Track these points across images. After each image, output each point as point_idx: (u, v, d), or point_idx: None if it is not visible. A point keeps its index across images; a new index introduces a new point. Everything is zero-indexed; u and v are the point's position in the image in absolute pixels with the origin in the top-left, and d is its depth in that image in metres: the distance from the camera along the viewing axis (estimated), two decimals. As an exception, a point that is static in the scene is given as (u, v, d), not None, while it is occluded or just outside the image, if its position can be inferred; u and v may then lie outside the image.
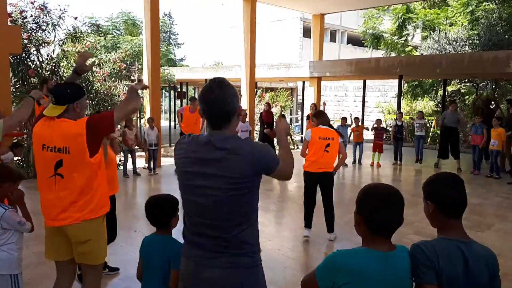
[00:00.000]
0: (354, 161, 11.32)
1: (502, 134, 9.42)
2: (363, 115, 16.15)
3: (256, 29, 13.07)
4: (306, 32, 27.21)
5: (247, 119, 10.91)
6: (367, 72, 14.53)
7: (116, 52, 12.74)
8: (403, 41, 21.76)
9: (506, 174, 9.69)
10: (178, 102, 22.30)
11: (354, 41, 31.70)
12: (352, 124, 11.37)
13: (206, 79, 19.19)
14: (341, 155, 5.40)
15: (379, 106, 21.88)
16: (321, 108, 11.41)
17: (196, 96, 24.41)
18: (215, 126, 1.83)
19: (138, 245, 2.65)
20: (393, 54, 21.68)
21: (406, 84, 19.13)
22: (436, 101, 19.59)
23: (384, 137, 11.48)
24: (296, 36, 29.16)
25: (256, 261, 1.88)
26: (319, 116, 5.39)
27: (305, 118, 12.05)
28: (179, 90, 21.43)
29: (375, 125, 11.27)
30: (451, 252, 1.61)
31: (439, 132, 12.92)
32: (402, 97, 15.99)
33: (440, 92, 17.60)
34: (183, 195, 1.92)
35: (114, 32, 24.04)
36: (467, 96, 18.57)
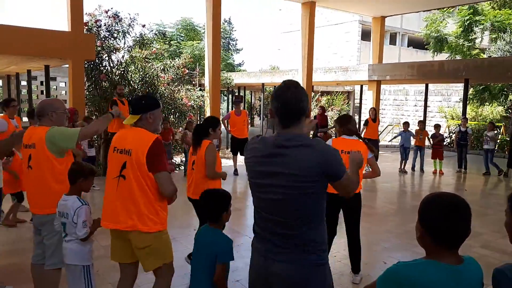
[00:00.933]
0: (413, 168, 10.85)
1: None
2: (424, 120, 15.54)
3: (314, 33, 13.06)
4: (365, 35, 26.67)
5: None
6: (430, 76, 14.00)
7: (179, 58, 13.28)
8: (469, 44, 20.67)
9: None
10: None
11: (415, 43, 30.60)
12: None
13: (262, 83, 19.46)
14: (371, 170, 4.07)
15: (441, 111, 20.93)
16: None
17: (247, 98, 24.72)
18: (285, 125, 1.89)
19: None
20: (458, 57, 20.66)
21: (472, 88, 18.15)
22: (505, 106, 18.39)
23: (442, 144, 10.92)
24: (354, 39, 28.66)
25: (323, 259, 1.91)
26: (342, 123, 4.01)
27: (362, 123, 11.74)
28: (236, 94, 21.90)
29: (434, 132, 10.83)
30: None
31: (508, 139, 12.12)
32: (467, 102, 15.19)
33: (511, 97, 16.53)
34: (252, 192, 2.01)
35: (179, 37, 25.08)
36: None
